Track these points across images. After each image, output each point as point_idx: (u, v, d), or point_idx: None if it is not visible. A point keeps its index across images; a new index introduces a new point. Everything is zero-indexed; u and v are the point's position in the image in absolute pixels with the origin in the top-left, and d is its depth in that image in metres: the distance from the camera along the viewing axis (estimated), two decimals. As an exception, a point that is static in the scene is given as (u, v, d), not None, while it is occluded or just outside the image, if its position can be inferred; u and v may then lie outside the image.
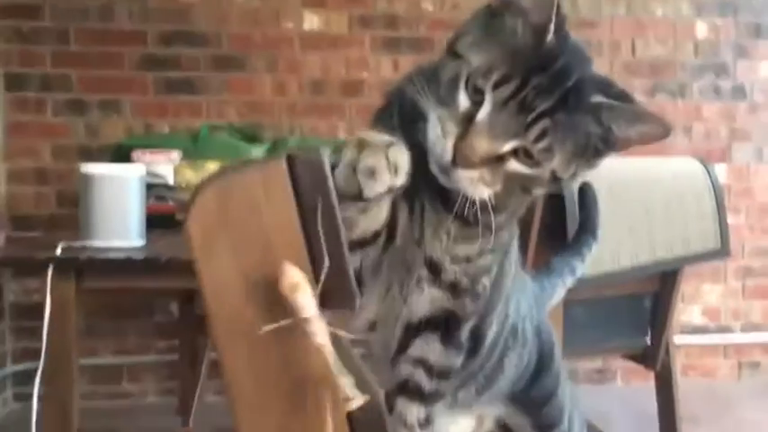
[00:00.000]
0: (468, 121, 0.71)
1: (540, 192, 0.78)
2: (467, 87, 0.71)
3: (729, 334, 3.11)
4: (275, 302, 0.44)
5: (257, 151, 2.29)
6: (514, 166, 0.72)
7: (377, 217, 0.76)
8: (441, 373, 0.84)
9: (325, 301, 0.46)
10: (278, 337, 0.44)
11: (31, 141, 2.68)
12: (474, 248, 0.81)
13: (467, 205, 0.74)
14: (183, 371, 2.52)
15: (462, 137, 0.71)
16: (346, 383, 0.52)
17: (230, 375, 0.44)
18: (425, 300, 0.83)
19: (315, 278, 0.45)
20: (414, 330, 0.84)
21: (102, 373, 2.73)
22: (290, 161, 0.45)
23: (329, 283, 0.45)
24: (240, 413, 0.44)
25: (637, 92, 3.00)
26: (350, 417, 0.45)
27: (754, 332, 3.12)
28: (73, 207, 2.48)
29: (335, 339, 0.55)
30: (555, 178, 0.74)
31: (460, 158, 0.70)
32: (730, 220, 3.00)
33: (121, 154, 2.07)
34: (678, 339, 2.96)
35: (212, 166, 2.07)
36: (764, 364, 3.14)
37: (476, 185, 0.72)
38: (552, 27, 0.71)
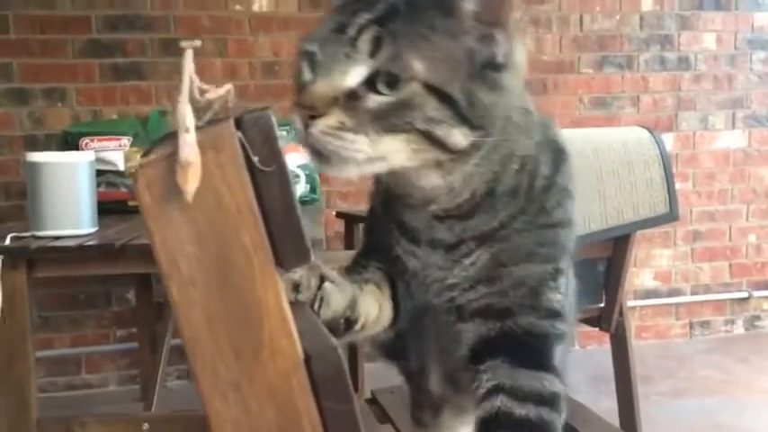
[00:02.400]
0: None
1: (455, 135, 0.65)
2: (304, 58, 0.66)
3: (680, 297, 3.22)
4: (230, 261, 0.45)
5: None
6: (375, 99, 0.63)
7: (375, 324, 0.74)
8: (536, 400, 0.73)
9: (281, 261, 0.47)
10: (233, 292, 0.45)
11: (-26, 133, 2.61)
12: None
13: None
14: (143, 358, 2.51)
15: (300, 93, 0.64)
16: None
17: (188, 331, 0.45)
18: (464, 334, 0.77)
19: (269, 237, 0.46)
20: (470, 365, 0.76)
21: (60, 365, 2.70)
22: (238, 122, 0.45)
23: (283, 242, 0.46)
24: (199, 366, 0.45)
25: (585, 65, 3.06)
26: (309, 368, 0.46)
27: (704, 293, 3.24)
28: (21, 198, 2.42)
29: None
30: (442, 95, 0.63)
31: (305, 111, 0.63)
32: (678, 186, 3.10)
33: (68, 142, 2.03)
34: (632, 303, 3.06)
35: (164, 152, 2.06)
36: (714, 323, 3.27)
37: (337, 135, 0.63)
38: None
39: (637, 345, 2.23)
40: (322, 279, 0.65)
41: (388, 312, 0.77)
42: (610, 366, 2.20)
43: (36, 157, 1.50)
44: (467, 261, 0.74)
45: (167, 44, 2.71)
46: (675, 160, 3.14)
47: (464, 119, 0.65)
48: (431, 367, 0.86)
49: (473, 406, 0.76)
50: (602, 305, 2.24)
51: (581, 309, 2.26)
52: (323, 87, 0.63)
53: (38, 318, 2.59)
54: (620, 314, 2.20)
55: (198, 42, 0.51)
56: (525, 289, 0.74)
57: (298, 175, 1.75)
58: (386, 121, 0.63)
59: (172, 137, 0.45)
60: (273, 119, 0.47)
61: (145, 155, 0.46)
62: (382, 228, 0.80)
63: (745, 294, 3.27)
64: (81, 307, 2.71)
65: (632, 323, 3.10)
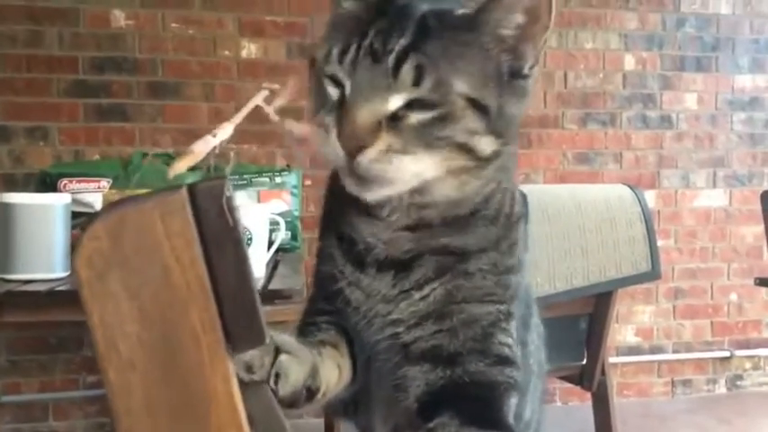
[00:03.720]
0: (340, 106, 0.65)
1: (484, 143, 0.66)
2: (329, 81, 0.67)
3: (662, 354, 3.20)
4: (176, 342, 0.42)
5: (192, 179, 2.24)
6: (417, 116, 0.64)
7: (336, 387, 0.71)
8: None
9: (233, 341, 0.44)
10: (178, 378, 0.42)
11: (-49, 170, 2.57)
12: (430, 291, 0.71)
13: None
14: (113, 407, 2.42)
15: (341, 122, 0.64)
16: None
17: (126, 421, 0.41)
18: (410, 380, 0.73)
19: (221, 317, 0.42)
20: (418, 420, 0.72)
21: (27, 411, 2.60)
22: (191, 191, 0.42)
23: (236, 323, 0.43)
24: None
25: (569, 121, 3.09)
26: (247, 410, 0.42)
27: (686, 351, 3.22)
28: (-5, 238, 2.37)
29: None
30: (480, 107, 0.65)
31: (351, 142, 0.63)
32: (660, 243, 3.11)
33: (47, 182, 1.99)
34: (614, 359, 3.03)
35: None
36: (696, 382, 3.24)
37: (388, 159, 0.63)
38: None
39: (618, 402, 2.20)
40: (277, 351, 0.61)
41: (347, 371, 0.74)
42: (591, 424, 2.17)
43: (10, 198, 1.47)
44: (417, 294, 0.72)
45: (154, 87, 2.71)
46: (657, 217, 3.16)
47: (493, 129, 0.66)
48: (377, 422, 0.80)
49: None
50: (584, 362, 2.21)
51: (561, 365, 2.24)
52: (366, 117, 0.63)
53: (6, 362, 2.51)
54: (603, 372, 2.18)
55: (276, 86, 0.51)
56: (476, 329, 0.72)
57: (278, 223, 1.72)
58: (429, 137, 0.64)
59: (113, 206, 0.42)
60: (230, 189, 0.44)
61: (85, 226, 0.43)
62: (327, 258, 0.77)
63: (727, 353, 3.25)
64: (51, 351, 2.63)
65: (614, 380, 3.07)
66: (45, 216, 1.46)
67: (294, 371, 0.63)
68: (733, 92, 3.27)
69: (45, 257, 1.47)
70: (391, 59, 0.63)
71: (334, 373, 0.71)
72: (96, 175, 2.01)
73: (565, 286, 1.93)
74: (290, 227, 2.05)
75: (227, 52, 2.78)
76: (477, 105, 0.65)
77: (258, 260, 1.60)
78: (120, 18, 2.68)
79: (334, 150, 0.64)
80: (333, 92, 0.66)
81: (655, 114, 3.20)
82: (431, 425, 0.69)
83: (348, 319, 0.75)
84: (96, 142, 2.66)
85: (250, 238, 1.59)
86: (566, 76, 3.11)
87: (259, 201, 2.09)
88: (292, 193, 2.15)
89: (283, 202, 2.11)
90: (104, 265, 0.40)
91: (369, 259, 0.73)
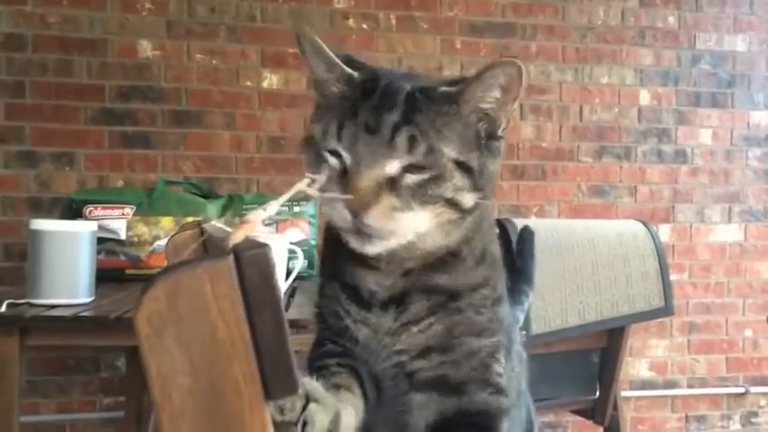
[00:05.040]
0: (343, 174, 0.73)
1: (467, 198, 0.75)
2: (329, 155, 0.75)
3: (676, 389, 3.18)
4: (221, 392, 0.46)
5: (213, 207, 2.29)
6: (411, 178, 0.72)
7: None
8: None
9: (270, 392, 0.48)
10: (222, 424, 0.46)
11: (-20, 193, 2.64)
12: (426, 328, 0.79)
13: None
14: (128, 428, 2.46)
15: (347, 190, 0.72)
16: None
17: None
18: (417, 408, 0.80)
19: (260, 370, 0.47)
20: None
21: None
22: (237, 257, 0.47)
23: (273, 376, 0.48)
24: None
25: (585, 154, 3.12)
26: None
27: (700, 387, 3.20)
28: (21, 260, 2.43)
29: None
30: (465, 168, 0.74)
31: (357, 204, 0.71)
32: (675, 277, 3.13)
33: (73, 208, 2.05)
34: (627, 393, 3.02)
35: (166, 221, 2.08)
36: (710, 418, 3.21)
37: (390, 216, 0.72)
38: (344, 66, 0.76)
39: (631, 437, 2.20)
40: (307, 399, 0.67)
41: (361, 412, 0.79)
42: (603, 460, 2.17)
43: (39, 224, 1.52)
44: (414, 328, 0.79)
45: (177, 115, 2.78)
46: (672, 251, 3.16)
47: (475, 186, 0.76)
48: None
49: None
50: (596, 396, 2.22)
51: (574, 399, 2.23)
52: (368, 181, 0.71)
53: (26, 382, 2.56)
54: (615, 407, 2.18)
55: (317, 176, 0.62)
56: (476, 361, 0.80)
57: (296, 251, 1.76)
58: (424, 195, 0.73)
59: (170, 270, 0.47)
60: (272, 257, 0.49)
61: (144, 290, 0.48)
62: (331, 298, 0.84)
63: (741, 390, 3.23)
64: (69, 372, 2.68)
65: (628, 414, 3.05)
66: (72, 243, 1.51)
67: (320, 419, 0.68)
68: (749, 128, 3.29)
69: (70, 283, 1.52)
70: (387, 131, 0.72)
71: (353, 418, 0.77)
72: (120, 202, 2.07)
73: (577, 321, 1.95)
74: (308, 255, 2.09)
75: (249, 83, 2.85)
76: (463, 167, 0.75)
77: (276, 290, 1.64)
78: (147, 48, 2.77)
79: (341, 214, 0.72)
80: (333, 162, 0.74)
81: (670, 149, 3.23)
82: None
83: (355, 355, 0.82)
84: (120, 168, 2.73)
85: (268, 268, 1.63)
86: (581, 109, 3.15)
87: (277, 230, 2.13)
88: (310, 223, 2.20)
89: (301, 232, 2.15)
90: (161, 323, 0.44)
91: (374, 302, 0.81)
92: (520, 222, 1.97)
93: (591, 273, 1.98)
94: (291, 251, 1.74)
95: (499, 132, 0.79)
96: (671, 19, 3.23)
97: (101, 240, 1.83)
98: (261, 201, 2.31)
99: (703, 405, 3.21)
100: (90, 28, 2.72)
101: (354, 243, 0.74)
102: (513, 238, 1.76)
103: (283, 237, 1.77)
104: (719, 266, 3.24)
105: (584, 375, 2.21)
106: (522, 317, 1.32)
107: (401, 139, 0.72)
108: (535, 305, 1.86)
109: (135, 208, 2.09)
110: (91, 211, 2.02)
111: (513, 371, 0.92)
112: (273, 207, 0.63)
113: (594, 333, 2.14)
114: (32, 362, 2.60)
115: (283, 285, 1.68)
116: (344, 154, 0.73)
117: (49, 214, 2.58)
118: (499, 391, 0.81)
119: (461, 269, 0.80)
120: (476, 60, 3.02)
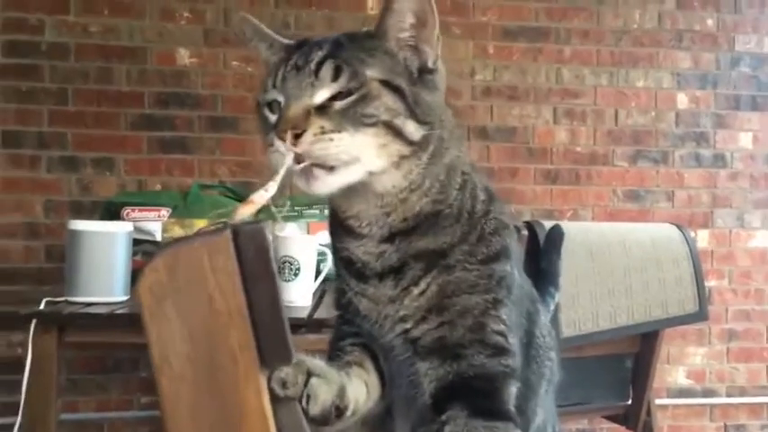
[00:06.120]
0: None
1: (410, 126, 0.76)
2: (268, 110, 0.78)
3: (715, 398, 3.11)
4: (218, 360, 0.48)
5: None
6: (340, 103, 0.74)
7: (366, 404, 0.79)
8: None
9: (266, 360, 0.50)
10: (218, 390, 0.48)
11: (24, 197, 2.73)
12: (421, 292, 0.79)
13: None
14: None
15: (279, 124, 0.74)
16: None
17: (172, 424, 0.48)
18: (423, 376, 0.80)
19: (255, 339, 0.49)
20: (433, 414, 0.79)
21: (83, 429, 2.71)
22: (235, 232, 0.50)
23: (268, 345, 0.49)
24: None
25: (620, 158, 3.09)
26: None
27: (740, 395, 3.12)
28: (62, 261, 2.51)
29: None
30: (393, 87, 0.75)
31: (288, 134, 0.71)
32: (713, 283, 3.07)
33: (111, 210, 2.11)
34: (664, 401, 2.97)
35: (201, 224, 2.12)
36: (750, 427, 3.13)
37: (327, 138, 0.72)
38: (281, 39, 0.82)
39: (667, 445, 2.16)
40: (309, 374, 0.68)
41: (375, 387, 0.82)
42: (636, 467, 2.13)
43: (78, 225, 1.58)
44: (415, 290, 0.79)
45: (213, 121, 2.84)
46: (711, 257, 3.10)
47: (413, 113, 0.76)
48: (398, 423, 0.87)
49: None
50: (630, 402, 2.19)
51: (606, 404, 2.21)
52: (296, 109, 0.73)
53: (66, 380, 2.63)
54: (648, 413, 2.15)
55: None
56: (470, 319, 0.79)
57: (326, 253, 1.78)
58: (356, 115, 0.73)
59: (170, 244, 0.49)
60: (267, 233, 0.51)
61: (147, 260, 0.50)
62: (339, 277, 0.87)
63: (783, 399, 3.14)
64: (108, 371, 2.75)
65: (665, 422, 3.00)
66: (109, 243, 1.57)
67: (323, 391, 0.70)
68: (791, 131, 3.22)
69: (106, 282, 1.57)
70: (312, 65, 0.75)
71: (361, 390, 0.78)
72: (157, 204, 2.12)
73: (608, 324, 1.93)
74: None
75: (283, 88, 2.89)
76: (389, 86, 0.76)
77: (306, 290, 1.66)
78: (184, 56, 2.83)
79: (281, 153, 0.72)
80: (272, 117, 0.77)
81: (708, 153, 3.17)
82: (443, 417, 0.77)
83: (368, 334, 0.83)
84: (158, 173, 2.80)
85: (299, 268, 1.66)
86: (616, 113, 3.12)
87: (309, 232, 2.16)
88: (341, 226, 2.22)
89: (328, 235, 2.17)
90: (162, 292, 0.47)
91: (368, 272, 0.82)
92: (550, 225, 1.96)
93: (623, 276, 1.96)
94: (321, 253, 1.77)
95: (430, 65, 0.80)
96: (709, 21, 3.17)
97: (137, 242, 1.88)
98: (293, 204, 2.35)
99: (743, 414, 3.13)
100: (130, 37, 2.80)
101: (302, 184, 0.74)
102: (542, 241, 1.76)
103: (314, 238, 1.79)
104: (760, 273, 3.16)
105: (616, 380, 2.18)
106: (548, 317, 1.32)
107: (326, 70, 0.74)
108: (565, 308, 1.84)
109: (171, 210, 2.14)
110: (128, 213, 2.07)
111: (541, 339, 0.92)
112: (273, 187, 0.65)
113: (627, 338, 2.11)
114: (73, 360, 2.68)
115: (312, 286, 1.71)
116: (278, 97, 0.76)
117: (89, 217, 2.65)
118: (499, 351, 0.80)
119: (440, 227, 0.80)
120: (508, 65, 3.02)
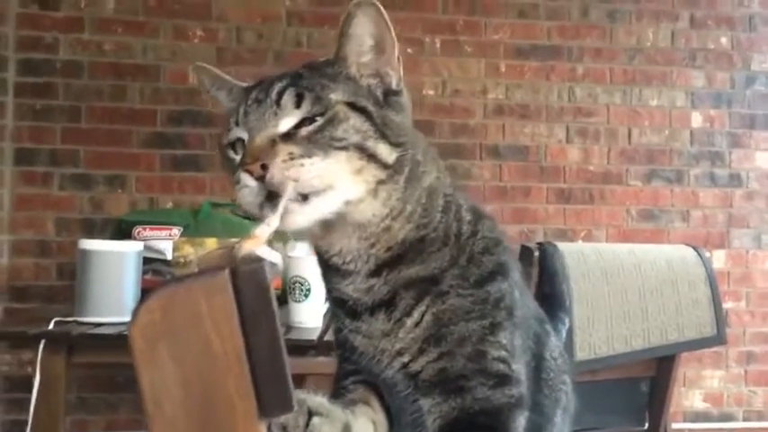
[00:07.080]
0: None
1: (382, 148, 0.73)
2: (232, 150, 0.75)
3: (732, 422, 3.05)
4: (214, 406, 0.46)
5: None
6: (307, 129, 0.71)
7: None
8: None
9: (264, 407, 0.48)
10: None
11: (36, 214, 2.74)
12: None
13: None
14: (173, 449, 2.48)
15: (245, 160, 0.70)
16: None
17: None
18: (426, 414, 0.77)
19: (254, 385, 0.47)
20: None
21: (91, 450, 2.69)
22: (233, 273, 0.47)
23: (268, 390, 0.47)
24: None
25: (633, 177, 3.06)
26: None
27: (758, 420, 3.06)
28: (72, 279, 2.50)
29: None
30: (359, 109, 0.73)
31: (255, 166, 0.68)
32: (731, 305, 3.02)
33: (122, 229, 2.11)
34: (680, 425, 2.91)
35: (211, 243, 2.11)
36: (769, 455, 3.07)
37: (292, 165, 0.68)
38: (240, 83, 0.81)
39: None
40: (310, 414, 0.66)
41: (383, 426, 0.79)
42: (652, 494, 2.09)
43: (88, 244, 1.57)
44: (409, 321, 0.77)
45: (225, 139, 2.83)
46: (727, 278, 3.05)
47: (384, 135, 0.74)
48: None
49: None
50: (646, 427, 2.15)
51: (622, 429, 2.16)
52: (261, 139, 0.70)
53: (75, 398, 2.61)
54: (665, 439, 2.10)
55: None
56: (468, 347, 0.76)
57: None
58: (325, 141, 0.70)
59: (167, 283, 0.47)
60: (268, 273, 0.49)
61: (136, 312, 0.48)
62: (334, 316, 0.84)
63: (802, 424, 3.07)
64: (118, 390, 2.73)
65: (680, 447, 2.94)
66: (118, 262, 1.56)
67: (326, 431, 0.67)
68: (808, 151, 3.17)
69: (116, 301, 1.56)
70: (273, 95, 0.73)
71: (368, 428, 0.76)
72: (168, 223, 2.12)
73: (624, 348, 1.90)
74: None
75: (295, 107, 2.89)
76: (356, 108, 0.74)
77: (315, 311, 1.65)
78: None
79: (250, 190, 0.68)
80: (237, 158, 0.73)
81: (723, 173, 3.13)
82: None
83: (369, 370, 0.81)
84: (170, 191, 2.79)
85: (309, 289, 1.64)
86: (630, 132, 3.09)
87: (320, 252, 2.14)
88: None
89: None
90: (155, 335, 0.45)
91: (360, 309, 0.79)
92: (565, 247, 1.93)
93: (638, 299, 1.93)
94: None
95: (394, 86, 0.79)
96: (723, 40, 3.15)
97: (148, 260, 1.88)
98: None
99: (762, 440, 3.07)
100: (143, 55, 2.81)
101: (276, 221, 0.69)
102: (557, 263, 1.73)
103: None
104: (778, 294, 3.11)
105: (632, 405, 2.14)
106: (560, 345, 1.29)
107: (287, 98, 0.72)
108: (580, 331, 1.81)
109: (182, 229, 2.13)
110: (139, 231, 2.07)
111: (553, 362, 0.89)
112: (275, 220, 0.63)
113: (643, 361, 2.07)
114: (83, 379, 2.66)
115: (323, 307, 1.69)
116: (241, 134, 0.73)
117: (101, 235, 2.65)
118: (502, 380, 0.76)
119: (428, 253, 0.77)
120: (520, 84, 3.00)
